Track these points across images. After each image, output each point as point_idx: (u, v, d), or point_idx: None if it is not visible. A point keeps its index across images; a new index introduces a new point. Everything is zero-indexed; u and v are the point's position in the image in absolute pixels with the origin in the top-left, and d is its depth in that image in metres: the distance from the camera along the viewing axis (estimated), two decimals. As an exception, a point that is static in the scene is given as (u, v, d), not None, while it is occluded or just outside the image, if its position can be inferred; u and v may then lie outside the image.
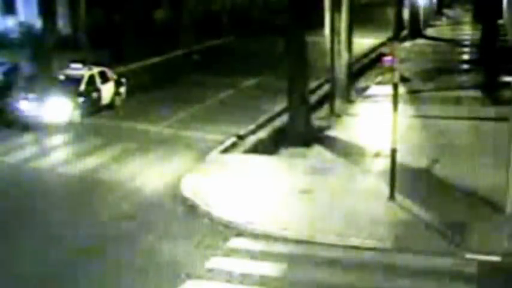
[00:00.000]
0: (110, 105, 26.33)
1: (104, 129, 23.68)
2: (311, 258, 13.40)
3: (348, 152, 20.13)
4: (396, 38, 40.25)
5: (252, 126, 23.46)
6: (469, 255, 13.24)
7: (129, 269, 13.14)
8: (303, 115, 21.51)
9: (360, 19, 34.36)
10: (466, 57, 39.30)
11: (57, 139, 22.70)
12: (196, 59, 38.90)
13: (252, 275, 12.71)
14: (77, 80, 25.16)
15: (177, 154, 20.67)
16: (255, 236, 14.49)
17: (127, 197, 17.09)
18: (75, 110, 24.21)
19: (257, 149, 21.08)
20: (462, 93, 28.26)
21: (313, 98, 26.21)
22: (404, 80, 26.43)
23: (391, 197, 15.98)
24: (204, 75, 33.81)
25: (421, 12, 49.52)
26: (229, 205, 15.98)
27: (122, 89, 27.28)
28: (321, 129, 22.61)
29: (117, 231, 14.95)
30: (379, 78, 31.01)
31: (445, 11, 68.19)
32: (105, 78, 26.29)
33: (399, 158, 16.25)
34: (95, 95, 25.47)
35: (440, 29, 54.52)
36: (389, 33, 43.77)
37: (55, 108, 23.62)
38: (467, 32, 51.08)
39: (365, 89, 29.79)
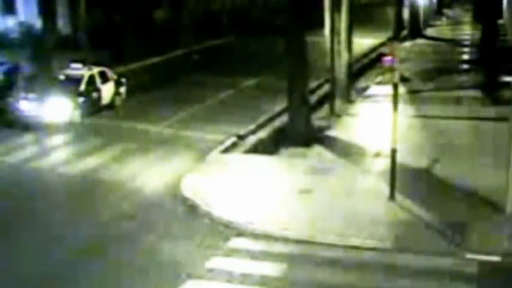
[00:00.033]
0: (110, 105, 26.33)
1: (104, 129, 23.69)
2: (311, 258, 13.40)
3: (348, 152, 20.14)
4: (396, 38, 40.22)
5: (252, 126, 23.47)
6: (469, 255, 13.25)
7: (129, 269, 13.15)
8: (303, 115, 21.51)
9: (360, 19, 34.37)
10: (466, 57, 39.31)
11: (57, 139, 22.71)
12: (196, 59, 38.91)
13: (253, 275, 12.72)
14: (77, 80, 25.17)
15: (177, 154, 20.68)
16: (256, 236, 14.50)
17: (127, 197, 17.10)
18: (75, 110, 24.22)
19: (257, 149, 21.08)
20: (462, 93, 28.26)
21: (313, 98, 26.22)
22: (404, 80, 26.44)
23: (391, 197, 15.99)
24: (204, 75, 33.83)
25: (421, 12, 49.54)
26: (230, 205, 15.99)
27: (122, 89, 27.29)
28: (321, 129, 22.62)
29: (118, 231, 14.96)
30: (379, 78, 31.02)
31: (445, 11, 68.21)
32: (105, 78, 26.30)
33: (399, 158, 16.26)
34: (95, 95, 25.48)
35: (440, 29, 54.54)
36: (389, 33, 43.76)
37: (55, 108, 23.63)
38: (467, 32, 51.10)
39: (365, 89, 29.80)
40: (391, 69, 15.95)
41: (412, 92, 28.16)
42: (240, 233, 14.66)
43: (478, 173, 17.76)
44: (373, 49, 41.20)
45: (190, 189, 17.14)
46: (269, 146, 21.08)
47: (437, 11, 64.17)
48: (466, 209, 15.41)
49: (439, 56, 39.59)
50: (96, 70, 26.15)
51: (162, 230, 14.99)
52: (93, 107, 25.33)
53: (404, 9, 47.56)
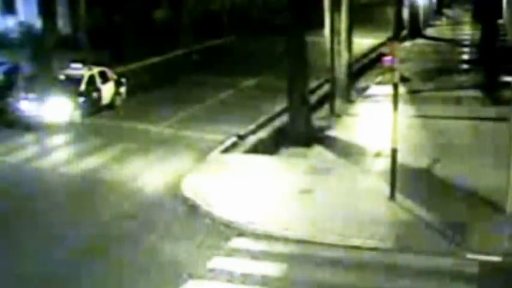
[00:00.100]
0: (110, 105, 26.34)
1: (104, 129, 23.70)
2: (312, 258, 13.42)
3: (348, 152, 20.15)
4: (396, 38, 40.17)
5: (252, 126, 23.48)
6: (469, 255, 13.26)
7: (130, 269, 13.16)
8: (303, 115, 21.52)
9: (360, 19, 34.36)
10: (466, 57, 39.33)
11: (57, 139, 22.72)
12: (196, 59, 38.92)
13: (254, 275, 12.73)
14: (77, 80, 25.18)
15: (177, 154, 20.69)
16: (256, 236, 14.52)
17: (128, 196, 17.11)
18: (76, 110, 24.23)
19: (257, 149, 21.10)
20: (462, 93, 28.27)
21: (313, 98, 26.23)
22: (404, 80, 26.44)
23: (392, 197, 16.00)
24: (204, 75, 33.83)
25: (421, 12, 49.55)
26: (230, 205, 16.01)
27: (122, 89, 27.30)
28: (321, 129, 22.63)
29: (119, 231, 14.97)
30: (379, 78, 31.02)
31: (445, 10, 68.20)
32: (105, 78, 26.31)
33: (399, 158, 16.28)
34: (95, 95, 25.49)
35: (440, 29, 54.55)
36: (389, 33, 43.73)
37: (55, 108, 23.64)
38: (467, 32, 51.11)
39: (365, 89, 29.81)
40: (391, 69, 15.96)
41: (412, 92, 28.17)
42: (241, 233, 14.67)
43: (478, 173, 17.77)
44: (373, 49, 41.25)
45: (190, 189, 17.15)
46: (269, 146, 21.09)
47: (437, 11, 64.16)
48: (466, 209, 15.42)
49: (439, 56, 39.61)
50: (96, 70, 26.16)
51: (163, 230, 15.00)
52: (93, 107, 25.34)
53: (404, 9, 47.56)
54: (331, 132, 22.52)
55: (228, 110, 26.36)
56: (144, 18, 42.59)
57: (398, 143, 16.14)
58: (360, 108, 26.14)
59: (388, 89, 17.34)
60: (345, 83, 26.53)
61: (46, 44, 29.28)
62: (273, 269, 12.99)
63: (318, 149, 20.61)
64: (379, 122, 22.28)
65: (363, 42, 41.57)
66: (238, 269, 12.93)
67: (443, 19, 62.87)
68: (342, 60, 26.30)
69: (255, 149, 21.05)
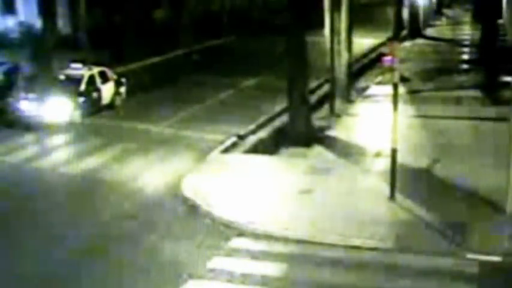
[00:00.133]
0: (110, 105, 26.35)
1: (104, 129, 23.71)
2: (312, 258, 13.42)
3: (348, 152, 20.15)
4: (396, 38, 40.15)
5: (252, 126, 23.48)
6: (469, 255, 13.27)
7: (131, 269, 13.16)
8: (303, 115, 21.52)
9: (360, 19, 34.38)
10: (465, 57, 39.34)
11: (57, 139, 22.73)
12: (196, 59, 38.93)
13: (254, 275, 12.73)
14: (77, 80, 25.19)
15: (177, 154, 20.69)
16: (256, 236, 14.52)
17: (128, 196, 17.12)
18: (76, 110, 24.23)
19: (257, 149, 21.10)
20: (462, 93, 28.27)
21: (313, 98, 26.24)
22: (404, 80, 26.45)
23: (392, 197, 16.00)
24: (204, 75, 33.83)
25: (421, 12, 49.55)
26: (230, 205, 16.01)
27: (122, 89, 27.30)
28: (321, 129, 22.63)
29: (119, 231, 14.98)
30: (379, 78, 31.03)
31: (445, 10, 68.20)
32: (105, 78, 26.32)
33: (399, 158, 16.28)
34: (95, 95, 25.50)
35: (440, 28, 54.55)
36: (389, 33, 43.68)
37: (55, 108, 23.64)
38: (467, 31, 51.12)
39: (365, 89, 29.81)
40: (391, 69, 15.97)
41: (412, 92, 28.17)
42: (241, 233, 14.67)
43: (478, 173, 17.77)
44: (373, 49, 41.24)
45: (190, 189, 17.16)
46: (269, 146, 21.10)
47: (437, 11, 64.16)
48: (466, 209, 15.43)
49: (439, 56, 39.62)
50: (96, 70, 26.16)
51: (163, 230, 15.01)
52: (93, 107, 25.34)
53: (404, 9, 47.56)
54: (331, 132, 22.52)
55: (228, 110, 26.37)
56: (144, 18, 42.58)
57: (398, 143, 16.15)
58: (360, 108, 26.15)
59: (388, 89, 17.35)
60: (344, 83, 26.54)
61: (46, 44, 29.28)
62: (273, 269, 13.00)
63: (318, 149, 20.62)
64: (379, 122, 22.29)
65: (363, 42, 41.59)
66: (238, 269, 12.94)
67: (443, 19, 62.87)
68: (342, 60, 26.31)
69: (255, 149, 21.06)
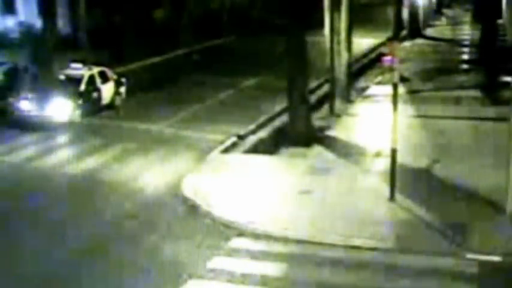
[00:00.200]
0: (110, 105, 26.35)
1: (104, 129, 23.72)
2: (312, 258, 13.43)
3: (348, 152, 20.16)
4: (396, 38, 40.14)
5: (252, 126, 23.49)
6: (470, 255, 13.28)
7: (131, 269, 13.17)
8: (303, 115, 21.53)
9: (360, 19, 34.38)
10: (465, 57, 39.34)
11: (58, 139, 22.75)
12: (196, 59, 38.93)
13: (254, 275, 12.74)
14: (77, 80, 25.19)
15: (177, 154, 20.70)
16: (256, 236, 14.53)
17: (128, 196, 17.13)
18: (76, 110, 24.24)
19: (257, 149, 21.11)
20: (462, 93, 28.28)
21: (313, 98, 26.25)
22: (404, 80, 26.46)
23: (392, 197, 16.00)
24: (204, 75, 33.83)
25: (421, 12, 49.54)
26: (230, 205, 16.02)
27: (122, 89, 27.29)
28: (321, 129, 22.64)
29: (119, 230, 15.00)
30: (379, 78, 31.04)
31: (445, 10, 68.17)
32: (105, 78, 26.32)
33: (399, 158, 16.28)
34: (95, 95, 25.50)
35: (439, 29, 54.53)
36: (388, 33, 43.64)
37: (55, 108, 23.65)
38: (467, 31, 51.11)
39: (365, 89, 29.82)
40: (391, 69, 15.97)
41: (412, 92, 28.18)
42: (241, 233, 14.69)
43: (478, 173, 17.78)
44: (373, 49, 41.22)
45: (191, 189, 17.17)
46: (269, 146, 21.11)
47: (436, 11, 64.14)
48: (466, 209, 15.44)
49: (439, 56, 39.62)
50: (96, 70, 26.17)
51: (164, 230, 15.02)
52: (93, 107, 25.35)
53: (404, 9, 47.54)
54: (331, 132, 22.53)
55: (228, 109, 26.37)
56: (144, 18, 42.58)
57: (398, 143, 16.15)
58: (360, 108, 26.15)
59: (388, 89, 17.34)
60: (344, 83, 26.55)
61: (46, 44, 29.27)
62: (272, 269, 13.01)
63: (317, 149, 20.62)
64: (379, 122, 22.29)
65: (363, 42, 41.58)
66: (238, 269, 12.95)
67: (443, 19, 62.83)
68: (342, 60, 26.32)
69: (255, 149, 21.06)
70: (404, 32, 46.87)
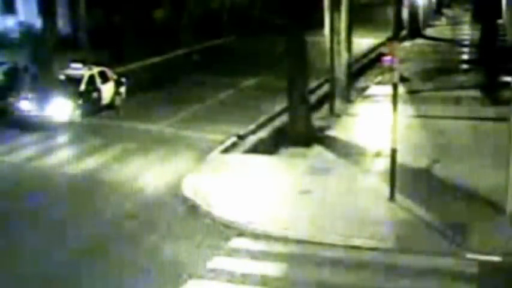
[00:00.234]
0: (110, 105, 26.35)
1: (104, 129, 23.72)
2: (312, 258, 13.43)
3: (348, 152, 20.16)
4: (395, 37, 40.13)
5: (252, 126, 23.49)
6: (469, 255, 13.29)
7: (131, 269, 13.17)
8: (303, 115, 21.53)
9: (360, 19, 34.38)
10: (465, 57, 39.35)
11: (58, 139, 22.76)
12: (196, 59, 38.93)
13: (253, 275, 12.75)
14: (77, 80, 25.19)
15: (177, 154, 20.71)
16: (256, 236, 14.54)
17: (128, 196, 17.13)
18: (76, 109, 24.24)
19: (257, 149, 21.11)
20: (462, 93, 28.29)
21: (313, 98, 26.26)
22: (403, 79, 26.46)
23: (392, 197, 16.01)
24: (204, 75, 33.83)
25: (421, 12, 49.56)
26: (230, 205, 16.03)
27: (122, 89, 27.30)
28: (321, 129, 22.64)
29: (119, 230, 15.01)
30: (379, 78, 31.04)
31: (445, 10, 68.20)
32: (105, 78, 26.32)
33: (399, 158, 16.28)
34: (95, 95, 25.51)
35: (439, 28, 54.53)
36: (388, 33, 43.64)
37: (55, 108, 23.65)
38: (467, 31, 51.13)
39: (365, 89, 29.82)
40: (391, 69, 15.97)
41: (412, 92, 28.18)
42: (241, 233, 14.69)
43: (478, 173, 17.79)
44: (373, 49, 41.23)
45: (191, 189, 17.17)
46: (269, 146, 21.11)
47: (436, 11, 64.16)
48: (466, 209, 15.45)
49: (439, 56, 39.62)
50: (96, 70, 26.17)
51: (164, 230, 15.02)
52: (93, 107, 25.35)
53: (404, 9, 47.55)
54: (331, 132, 22.53)
55: (228, 110, 26.38)
56: (144, 18, 42.58)
57: (398, 143, 16.15)
58: (360, 108, 26.15)
59: (388, 89, 17.34)
60: (344, 83, 26.55)
61: (46, 44, 29.27)
62: (272, 269, 13.01)
63: (317, 149, 20.63)
64: (379, 122, 22.30)
65: (363, 42, 41.58)
66: (238, 269, 12.95)
67: (443, 19, 62.86)
68: (342, 60, 26.32)
69: (255, 149, 21.07)
70: (404, 32, 46.87)
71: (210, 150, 20.72)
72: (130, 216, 15.79)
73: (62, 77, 25.82)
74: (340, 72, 26.24)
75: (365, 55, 39.84)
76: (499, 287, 12.57)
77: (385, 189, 16.19)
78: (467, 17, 60.57)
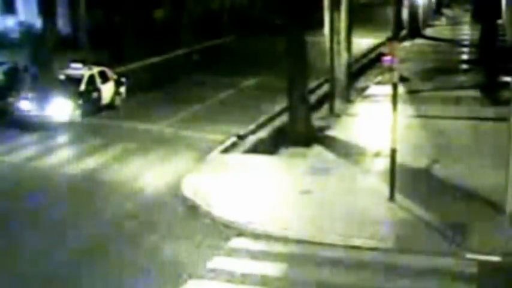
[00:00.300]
0: (110, 105, 26.37)
1: (104, 129, 23.74)
2: (312, 258, 13.44)
3: (348, 152, 20.17)
4: (395, 37, 40.12)
5: (252, 126, 23.51)
6: (469, 255, 13.29)
7: (131, 269, 13.18)
8: (303, 115, 21.54)
9: (359, 19, 34.39)
10: (465, 57, 39.36)
11: (58, 139, 22.77)
12: (196, 59, 38.95)
13: (253, 275, 12.75)
14: (77, 80, 25.21)
15: (177, 154, 20.72)
16: (256, 236, 14.54)
17: (128, 196, 17.14)
18: (76, 109, 24.25)
19: (257, 149, 21.12)
20: (461, 93, 28.31)
21: (313, 98, 26.27)
22: (403, 79, 26.45)
23: (391, 197, 16.01)
24: (204, 75, 33.86)
25: (420, 12, 49.58)
26: (230, 205, 16.03)
27: (122, 89, 27.32)
28: (321, 129, 22.65)
29: (119, 230, 15.01)
30: (379, 78, 31.05)
31: (444, 10, 68.24)
32: (105, 78, 26.34)
33: (399, 158, 16.28)
34: (95, 94, 25.52)
35: (439, 28, 54.56)
36: (388, 33, 43.62)
37: (55, 108, 23.66)
38: (467, 32, 51.15)
39: (364, 88, 29.83)
40: (391, 69, 15.97)
41: (412, 92, 28.19)
42: (241, 233, 14.69)
43: (478, 173, 17.80)
44: (373, 49, 41.24)
45: (190, 189, 17.18)
46: (269, 146, 21.12)
47: (436, 11, 64.20)
48: (466, 209, 15.45)
49: (439, 56, 39.63)
50: (96, 70, 26.19)
51: (164, 230, 15.03)
52: (93, 106, 25.37)
53: (404, 9, 47.57)
54: (331, 132, 22.55)
55: (228, 109, 26.39)
56: (144, 18, 42.60)
57: (398, 143, 16.16)
58: (360, 108, 26.17)
59: (388, 89, 17.35)
60: (344, 83, 26.57)
61: (46, 44, 29.29)
62: (272, 269, 13.02)
63: (317, 149, 20.64)
64: (379, 122, 22.31)
65: (363, 42, 41.60)
66: (238, 269, 12.96)
67: (443, 19, 62.89)
68: (342, 60, 26.33)
69: (254, 149, 21.08)
70: (404, 32, 46.90)
71: (210, 150, 20.73)
72: (130, 216, 15.79)
73: (62, 77, 25.84)
74: (340, 72, 26.26)
75: (365, 55, 39.87)
76: (498, 287, 12.58)
77: (385, 189, 16.20)
78: (467, 17, 60.60)
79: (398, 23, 45.23)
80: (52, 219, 15.66)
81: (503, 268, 12.99)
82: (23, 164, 19.86)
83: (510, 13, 44.01)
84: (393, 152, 16.04)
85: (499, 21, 44.36)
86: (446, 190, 16.80)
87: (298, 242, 14.19)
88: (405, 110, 23.32)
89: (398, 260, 13.29)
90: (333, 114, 24.92)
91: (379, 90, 28.15)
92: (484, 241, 13.82)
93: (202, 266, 13.15)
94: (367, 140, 21.10)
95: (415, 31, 47.66)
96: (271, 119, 24.58)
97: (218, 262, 13.33)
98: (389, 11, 47.23)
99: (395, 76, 15.78)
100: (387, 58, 16.17)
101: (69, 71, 26.00)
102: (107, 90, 26.25)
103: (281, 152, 20.55)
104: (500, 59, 32.77)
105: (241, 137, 22.29)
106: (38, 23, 33.13)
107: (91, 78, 25.57)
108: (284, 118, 23.06)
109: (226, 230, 14.88)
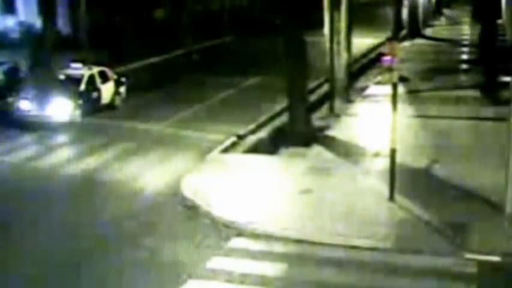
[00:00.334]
0: (110, 105, 26.38)
1: (104, 128, 23.74)
2: (312, 258, 13.44)
3: (347, 152, 20.17)
4: (395, 37, 40.22)
5: (252, 126, 23.51)
6: (469, 255, 13.28)
7: (131, 269, 13.17)
8: (303, 115, 21.56)
9: (359, 19, 34.39)
10: (465, 57, 39.35)
11: (57, 139, 22.78)
12: (196, 59, 38.96)
13: (253, 275, 12.74)
14: (77, 80, 25.23)
15: (177, 154, 20.72)
16: (256, 236, 14.53)
17: (128, 196, 17.14)
18: (76, 109, 24.26)
19: (257, 148, 21.12)
20: (461, 93, 28.31)
21: (313, 98, 26.27)
22: (403, 79, 26.49)
23: (391, 197, 16.01)
24: (204, 75, 33.87)
25: (420, 12, 49.60)
26: (230, 205, 16.03)
27: (122, 89, 27.34)
28: (321, 129, 22.66)
29: (119, 230, 15.00)
30: (379, 78, 31.05)
31: (444, 10, 68.25)
32: (105, 78, 26.35)
33: (399, 158, 16.28)
34: (95, 94, 25.54)
35: (439, 28, 54.57)
36: (388, 33, 43.73)
37: (55, 108, 23.67)
38: (466, 32, 51.15)
39: (364, 88, 29.83)
40: (390, 69, 15.97)
41: (411, 92, 28.19)
42: (241, 233, 14.69)
43: (478, 173, 17.80)
44: (373, 49, 41.25)
45: (190, 189, 17.18)
46: (269, 146, 21.12)
47: (436, 11, 64.22)
48: (465, 209, 15.45)
49: (438, 56, 39.64)
50: (96, 70, 26.20)
51: (163, 230, 15.03)
52: (93, 106, 25.37)
53: (404, 9, 47.61)
54: (331, 132, 22.55)
55: (228, 109, 26.40)
56: (144, 18, 42.62)
57: (398, 143, 16.15)
58: (359, 108, 26.17)
59: (387, 89, 17.33)
60: (344, 82, 26.57)
61: (46, 44, 29.32)
62: (272, 269, 13.01)
63: (317, 149, 20.64)
64: (378, 122, 22.30)
65: (362, 42, 41.58)
66: (238, 269, 12.95)
67: (443, 19, 62.91)
68: (341, 60, 26.34)
69: (254, 149, 21.08)
70: (403, 32, 46.92)
71: (210, 150, 20.73)
72: (130, 216, 15.79)
73: (62, 77, 25.86)
74: (340, 72, 26.26)
75: (365, 55, 39.86)
76: (498, 287, 12.58)
77: (385, 189, 16.20)
78: (466, 17, 60.59)
79: (398, 23, 45.36)
80: (52, 219, 15.66)
81: (503, 268, 12.98)
82: (23, 164, 19.87)
83: (510, 13, 44.02)
84: (393, 152, 16.04)
85: (499, 21, 44.38)
86: (446, 190, 16.80)
87: (298, 242, 14.18)
88: (405, 110, 23.33)
89: (398, 260, 13.29)
90: (333, 114, 24.93)
91: (379, 90, 28.15)
92: (484, 241, 13.82)
93: (202, 266, 13.15)
94: (367, 140, 21.10)
95: (414, 31, 47.68)
96: (271, 119, 24.58)
97: (218, 262, 13.32)
98: (390, 11, 47.40)
99: (395, 76, 15.77)
100: (387, 58, 16.17)
101: (69, 71, 26.02)
102: (107, 90, 26.26)
103: (281, 151, 20.55)
104: (500, 59, 32.76)
105: (241, 137, 22.29)
106: (38, 23, 33.20)
107: (91, 78, 25.59)
108: (284, 118, 23.07)
109: (226, 230, 14.88)
